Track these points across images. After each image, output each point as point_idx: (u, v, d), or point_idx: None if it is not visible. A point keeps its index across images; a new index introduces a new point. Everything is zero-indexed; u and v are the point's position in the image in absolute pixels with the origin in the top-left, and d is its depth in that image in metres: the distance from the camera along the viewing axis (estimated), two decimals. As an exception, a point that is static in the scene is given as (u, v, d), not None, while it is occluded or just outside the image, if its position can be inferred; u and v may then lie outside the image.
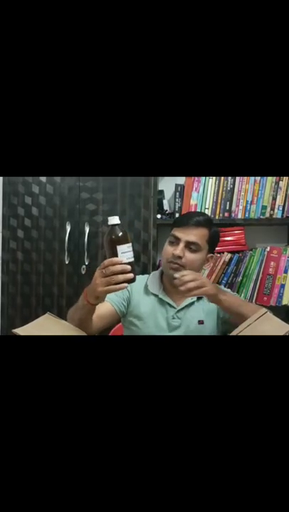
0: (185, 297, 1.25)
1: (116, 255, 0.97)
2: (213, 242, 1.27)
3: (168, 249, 1.24)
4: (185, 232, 1.21)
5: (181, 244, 1.21)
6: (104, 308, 1.24)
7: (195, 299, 1.28)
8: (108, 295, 1.21)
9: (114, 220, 0.99)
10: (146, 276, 1.36)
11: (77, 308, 1.14)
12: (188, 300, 1.27)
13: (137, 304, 1.29)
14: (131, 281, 0.98)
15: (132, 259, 0.99)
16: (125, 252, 0.98)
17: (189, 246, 1.21)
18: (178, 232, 1.22)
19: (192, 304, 1.28)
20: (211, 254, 1.28)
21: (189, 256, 1.21)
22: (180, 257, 1.20)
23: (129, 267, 0.97)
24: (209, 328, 1.27)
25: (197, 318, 1.27)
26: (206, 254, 1.25)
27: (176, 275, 1.10)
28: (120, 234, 0.98)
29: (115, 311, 1.27)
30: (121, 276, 0.96)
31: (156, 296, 1.28)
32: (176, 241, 1.22)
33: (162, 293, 1.28)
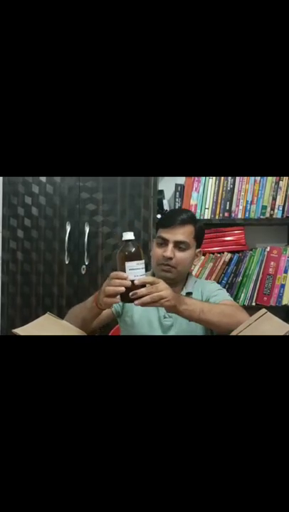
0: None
1: (124, 271, 0.98)
2: (199, 237, 1.28)
3: (157, 252, 1.23)
4: (172, 233, 1.21)
5: (170, 245, 1.21)
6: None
7: (184, 293, 1.27)
8: None
9: (128, 235, 1.00)
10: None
11: (83, 308, 1.14)
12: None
13: (131, 304, 1.27)
14: (127, 299, 0.98)
15: (142, 277, 0.98)
16: (134, 269, 0.98)
17: (178, 245, 1.22)
18: (165, 233, 1.22)
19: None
20: (199, 249, 1.29)
21: (179, 255, 1.22)
22: (170, 258, 1.20)
23: (127, 283, 0.97)
24: (201, 326, 1.24)
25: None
26: (194, 250, 1.26)
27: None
28: (131, 250, 0.99)
29: (111, 311, 1.29)
30: (113, 289, 0.97)
31: None
32: (164, 242, 1.22)
33: None
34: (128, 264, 0.98)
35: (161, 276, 1.21)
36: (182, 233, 1.22)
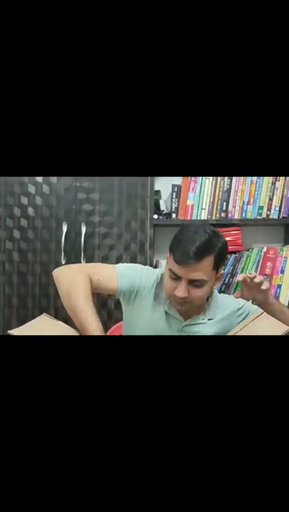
0: (192, 315, 1.18)
1: None
2: (221, 259, 1.10)
3: (169, 286, 1.08)
4: (186, 270, 1.04)
5: (183, 282, 1.05)
6: (109, 278, 1.17)
7: (206, 320, 1.18)
8: (120, 271, 1.18)
9: None
10: (157, 275, 1.22)
11: (76, 316, 1.09)
12: (199, 320, 1.18)
13: (143, 309, 1.19)
14: None
15: None
16: None
17: (193, 283, 1.06)
18: (178, 270, 1.05)
19: (203, 323, 1.18)
20: (222, 272, 1.14)
21: (194, 292, 1.07)
22: (185, 298, 1.06)
23: None
24: None
25: (206, 334, 1.18)
26: (214, 279, 1.10)
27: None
28: None
29: (115, 290, 1.18)
30: None
31: (163, 307, 1.18)
32: (177, 278, 1.06)
33: (168, 305, 1.17)
34: None
35: (175, 307, 1.14)
36: (198, 270, 1.04)
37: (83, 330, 1.07)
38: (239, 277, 1.09)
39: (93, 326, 1.06)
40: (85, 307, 1.09)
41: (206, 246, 1.04)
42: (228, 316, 1.21)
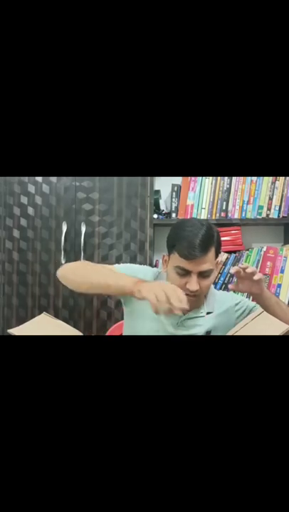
0: (193, 308, 1.19)
1: None
2: (219, 247, 1.16)
3: (179, 282, 1.10)
4: (195, 264, 1.09)
5: (194, 276, 1.09)
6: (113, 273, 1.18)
7: (205, 313, 1.21)
8: (122, 269, 1.21)
9: None
10: (155, 271, 1.27)
11: (106, 282, 1.08)
12: (198, 313, 1.21)
13: (144, 305, 1.19)
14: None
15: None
16: None
17: (202, 275, 1.11)
18: (187, 265, 1.09)
19: (202, 316, 1.21)
20: (218, 260, 1.19)
21: (203, 283, 1.12)
22: (196, 291, 1.11)
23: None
24: None
25: (205, 328, 1.20)
26: (214, 273, 1.16)
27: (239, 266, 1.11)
28: None
29: None
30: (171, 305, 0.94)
31: None
32: (186, 273, 1.10)
33: None
34: None
35: None
36: (206, 262, 1.09)
37: (118, 281, 1.07)
38: (232, 270, 1.12)
39: (123, 280, 1.06)
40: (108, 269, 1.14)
41: (207, 238, 1.10)
42: (226, 310, 1.23)
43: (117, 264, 1.25)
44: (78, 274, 1.16)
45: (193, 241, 1.07)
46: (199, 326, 1.20)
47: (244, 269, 1.10)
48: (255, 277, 1.10)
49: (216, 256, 1.14)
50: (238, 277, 1.14)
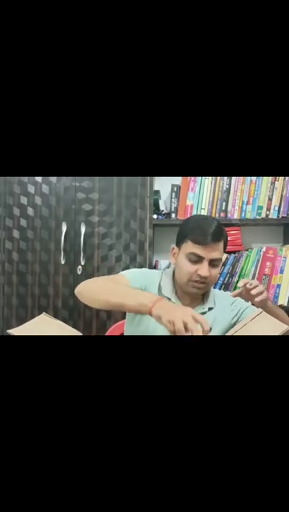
0: (196, 306, 1.24)
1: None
2: (226, 244, 1.25)
3: (190, 268, 1.18)
4: (208, 250, 1.17)
5: (205, 263, 1.17)
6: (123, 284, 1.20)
7: (207, 309, 1.26)
8: (129, 275, 1.25)
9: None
10: (159, 272, 1.32)
11: (129, 295, 1.06)
12: (200, 309, 1.25)
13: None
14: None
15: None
16: None
17: (212, 263, 1.19)
18: (200, 251, 1.17)
19: (204, 312, 1.25)
20: (226, 255, 1.29)
21: (213, 272, 1.20)
22: (206, 278, 1.17)
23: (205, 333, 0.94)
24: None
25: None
26: (220, 264, 1.25)
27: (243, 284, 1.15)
28: None
29: None
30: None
31: (168, 299, 1.24)
32: (199, 260, 1.18)
33: (175, 297, 1.26)
34: None
35: (191, 291, 1.21)
36: (217, 250, 1.18)
37: (135, 300, 1.04)
38: (240, 283, 1.18)
39: (142, 297, 1.04)
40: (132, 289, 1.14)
41: (219, 230, 1.20)
42: (224, 308, 1.28)
43: (123, 272, 1.27)
44: (95, 293, 1.15)
45: (207, 229, 1.17)
46: None
47: (250, 288, 1.16)
48: (257, 299, 1.17)
49: (224, 250, 1.22)
50: (243, 289, 1.19)
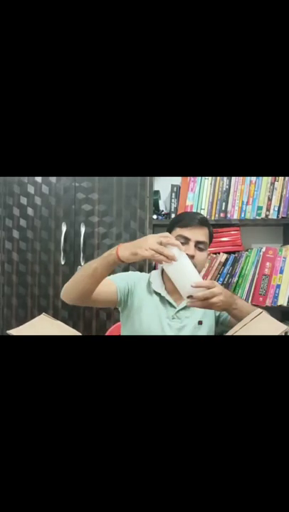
0: (182, 299, 1.26)
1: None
2: (211, 240, 1.32)
3: None
4: (193, 232, 1.23)
5: (192, 244, 1.22)
6: (107, 284, 1.24)
7: None
8: (113, 277, 1.30)
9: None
10: (147, 274, 1.37)
11: (97, 259, 1.14)
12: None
13: (140, 301, 1.29)
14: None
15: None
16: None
17: (198, 245, 1.24)
18: (186, 233, 1.23)
19: None
20: (209, 251, 1.34)
21: (199, 255, 1.23)
22: (193, 257, 1.20)
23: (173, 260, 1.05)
24: (206, 328, 1.29)
25: (197, 319, 1.28)
26: (207, 252, 1.29)
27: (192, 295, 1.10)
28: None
29: (115, 293, 1.27)
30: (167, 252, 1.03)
31: (158, 294, 1.29)
32: (185, 241, 1.23)
33: (164, 291, 1.29)
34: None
35: None
36: (202, 234, 1.24)
37: (102, 258, 1.14)
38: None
39: (107, 252, 1.13)
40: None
41: (204, 218, 1.29)
42: None
43: (108, 276, 1.27)
44: (70, 284, 1.22)
45: (193, 215, 1.30)
46: (192, 316, 1.28)
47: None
48: (213, 300, 1.09)
49: (210, 242, 1.30)
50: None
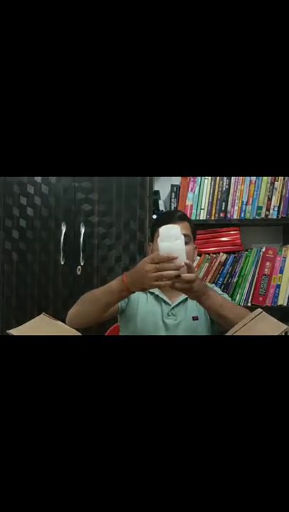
0: (179, 294, 1.28)
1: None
2: (195, 234, 1.37)
3: None
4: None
5: None
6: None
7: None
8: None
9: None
10: None
11: (108, 292, 1.16)
12: (183, 296, 1.30)
13: (136, 301, 1.33)
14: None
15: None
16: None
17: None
18: None
19: (186, 299, 1.31)
20: (195, 246, 1.36)
21: (185, 248, 1.23)
22: None
23: (182, 267, 1.04)
24: (203, 324, 1.30)
25: (191, 315, 1.30)
26: (193, 245, 1.32)
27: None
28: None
29: (118, 307, 1.31)
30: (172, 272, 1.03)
31: (152, 293, 1.32)
32: None
33: (158, 290, 1.31)
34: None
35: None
36: (184, 227, 1.25)
37: (110, 292, 1.15)
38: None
39: (114, 283, 1.15)
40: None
41: (183, 214, 1.36)
42: None
43: None
44: (75, 311, 1.26)
45: (172, 213, 1.39)
46: (187, 312, 1.30)
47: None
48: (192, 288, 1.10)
49: (193, 236, 1.34)
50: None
